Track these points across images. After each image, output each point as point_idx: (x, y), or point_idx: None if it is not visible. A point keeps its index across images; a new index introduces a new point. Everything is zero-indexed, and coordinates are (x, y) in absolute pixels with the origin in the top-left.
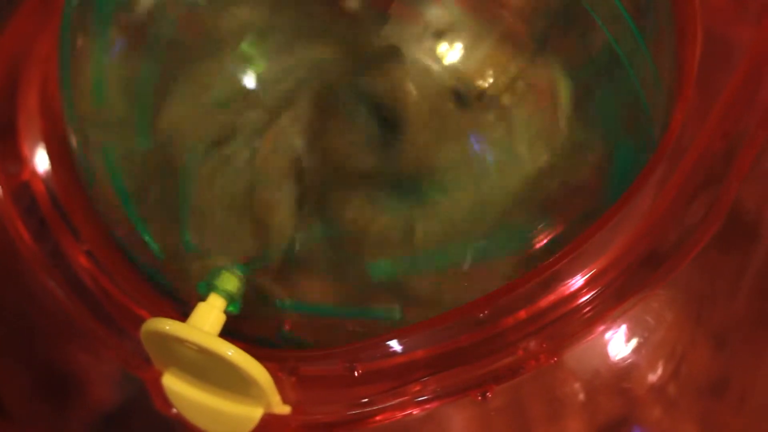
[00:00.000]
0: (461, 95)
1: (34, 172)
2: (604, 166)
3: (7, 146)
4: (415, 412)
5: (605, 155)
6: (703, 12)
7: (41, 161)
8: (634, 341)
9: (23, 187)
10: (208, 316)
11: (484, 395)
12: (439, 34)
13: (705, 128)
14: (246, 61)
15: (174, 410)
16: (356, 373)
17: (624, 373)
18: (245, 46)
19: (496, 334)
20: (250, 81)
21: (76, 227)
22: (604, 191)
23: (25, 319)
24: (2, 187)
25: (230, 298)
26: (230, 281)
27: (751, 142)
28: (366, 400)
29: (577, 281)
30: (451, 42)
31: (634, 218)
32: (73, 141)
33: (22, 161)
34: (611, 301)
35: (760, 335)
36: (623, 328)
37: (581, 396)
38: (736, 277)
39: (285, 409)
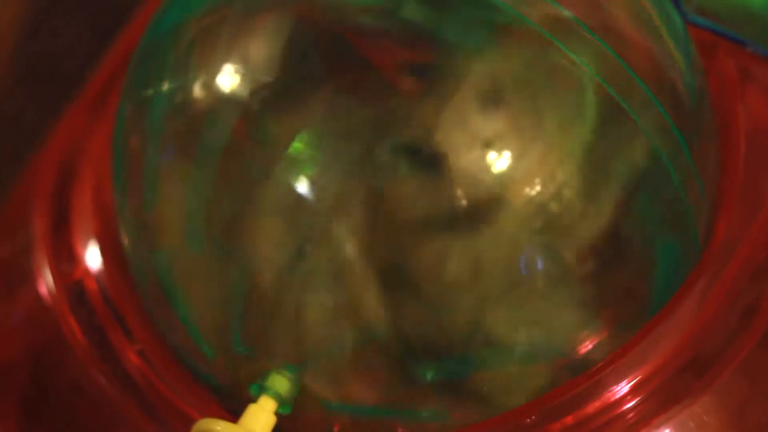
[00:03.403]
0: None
1: (86, 271)
2: (649, 272)
3: (61, 244)
4: None
5: (650, 261)
6: (746, 119)
7: (94, 260)
8: None
9: (76, 286)
10: (259, 418)
11: None
12: (488, 143)
13: (748, 236)
14: (297, 166)
15: None
16: None
17: None
18: (296, 150)
19: None
20: (302, 186)
21: (128, 327)
22: (649, 297)
23: (71, 410)
24: (56, 285)
25: (281, 400)
26: (281, 383)
27: None
28: None
29: (623, 388)
30: (499, 150)
31: (679, 325)
32: (126, 241)
33: (76, 260)
34: (656, 408)
35: None
36: None
37: None
38: None
39: None
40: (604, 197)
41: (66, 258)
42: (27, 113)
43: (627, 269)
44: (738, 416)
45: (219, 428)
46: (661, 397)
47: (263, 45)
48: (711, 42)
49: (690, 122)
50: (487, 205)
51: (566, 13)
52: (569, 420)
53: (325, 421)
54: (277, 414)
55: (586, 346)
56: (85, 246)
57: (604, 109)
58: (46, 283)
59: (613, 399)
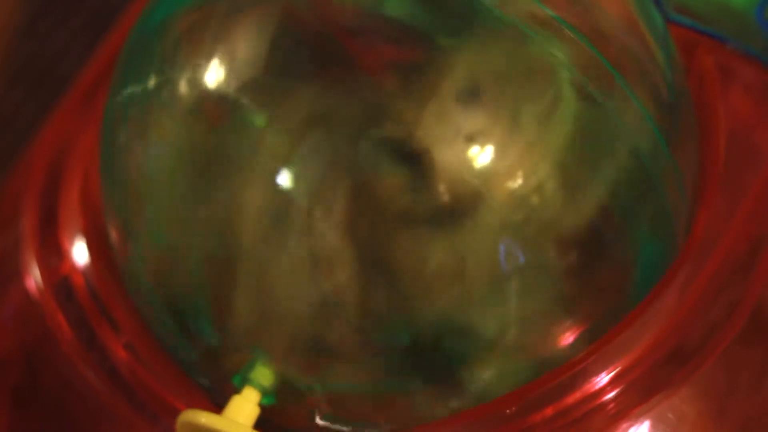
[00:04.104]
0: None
1: (73, 266)
2: (630, 267)
3: (48, 240)
4: None
5: (630, 256)
6: (727, 116)
7: (81, 255)
8: None
9: (63, 281)
10: (243, 409)
11: None
12: (471, 137)
13: (729, 231)
14: (281, 161)
15: None
16: None
17: None
18: (280, 145)
19: (523, 430)
20: (284, 180)
21: (115, 321)
22: (630, 291)
23: (61, 404)
24: (43, 280)
25: (264, 391)
26: (265, 374)
27: None
28: None
29: (603, 379)
30: (482, 144)
31: (660, 317)
32: (113, 236)
33: (63, 255)
34: (636, 399)
35: None
36: (646, 424)
37: None
38: (760, 371)
39: None
40: (583, 191)
41: (53, 253)
42: (22, 114)
43: (607, 262)
44: (718, 408)
45: (203, 420)
46: (640, 388)
47: (249, 42)
48: (691, 40)
49: (669, 118)
50: (468, 200)
51: (546, 10)
52: (549, 411)
53: (309, 411)
54: (260, 405)
55: (567, 339)
56: (72, 242)
57: (583, 105)
58: (35, 278)
59: (593, 390)
